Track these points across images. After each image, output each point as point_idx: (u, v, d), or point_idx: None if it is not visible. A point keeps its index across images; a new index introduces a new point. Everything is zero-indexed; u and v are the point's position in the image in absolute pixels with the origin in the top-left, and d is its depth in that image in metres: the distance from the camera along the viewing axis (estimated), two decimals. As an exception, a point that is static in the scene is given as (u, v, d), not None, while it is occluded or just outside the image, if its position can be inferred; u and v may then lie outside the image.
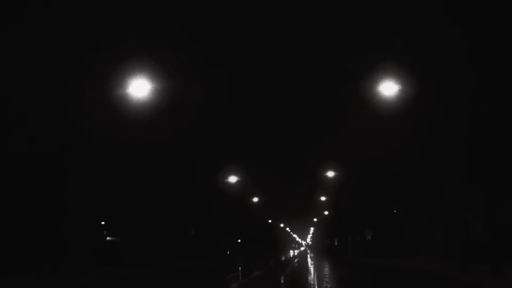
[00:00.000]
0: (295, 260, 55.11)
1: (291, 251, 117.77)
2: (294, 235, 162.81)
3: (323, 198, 55.58)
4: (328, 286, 18.46)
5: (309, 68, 25.05)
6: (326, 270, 30.63)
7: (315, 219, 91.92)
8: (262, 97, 27.73)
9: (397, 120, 22.19)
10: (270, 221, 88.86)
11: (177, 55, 20.76)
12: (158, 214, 37.77)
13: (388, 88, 16.94)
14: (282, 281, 23.13)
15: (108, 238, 41.23)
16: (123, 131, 23.03)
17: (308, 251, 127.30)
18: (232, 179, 38.92)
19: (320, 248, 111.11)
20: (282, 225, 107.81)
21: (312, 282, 21.29)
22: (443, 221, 28.70)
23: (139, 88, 16.14)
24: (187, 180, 37.62)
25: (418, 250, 34.02)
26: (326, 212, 68.55)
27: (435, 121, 21.67)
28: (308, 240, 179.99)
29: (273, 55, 22.35)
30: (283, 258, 63.79)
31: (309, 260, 55.72)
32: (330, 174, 38.21)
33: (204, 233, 55.44)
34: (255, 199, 56.31)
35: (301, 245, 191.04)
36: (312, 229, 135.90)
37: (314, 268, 35.32)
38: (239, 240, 77.33)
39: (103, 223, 40.06)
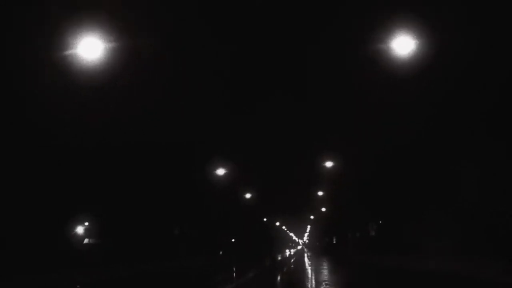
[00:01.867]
0: (292, 260, 51.82)
1: (288, 250, 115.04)
2: (291, 234, 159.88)
3: (320, 193, 52.08)
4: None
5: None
6: (326, 274, 26.86)
7: (312, 217, 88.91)
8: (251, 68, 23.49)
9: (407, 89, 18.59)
10: (265, 219, 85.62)
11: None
12: (139, 210, 34.00)
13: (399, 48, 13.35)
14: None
15: (86, 240, 38.08)
16: (72, 104, 18.78)
17: (305, 249, 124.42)
18: (221, 172, 35.41)
19: (318, 247, 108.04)
20: (278, 223, 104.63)
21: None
22: (460, 210, 24.89)
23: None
24: (171, 172, 33.74)
25: (427, 247, 30.25)
26: (323, 209, 65.24)
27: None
28: (305, 238, 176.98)
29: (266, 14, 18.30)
30: (279, 258, 61.14)
31: (306, 260, 52.39)
32: (329, 164, 34.68)
33: (194, 232, 51.77)
34: (248, 195, 52.66)
35: (298, 244, 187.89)
36: (309, 227, 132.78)
37: (312, 270, 31.68)
38: (232, 240, 73.99)
39: (86, 223, 36.85)
